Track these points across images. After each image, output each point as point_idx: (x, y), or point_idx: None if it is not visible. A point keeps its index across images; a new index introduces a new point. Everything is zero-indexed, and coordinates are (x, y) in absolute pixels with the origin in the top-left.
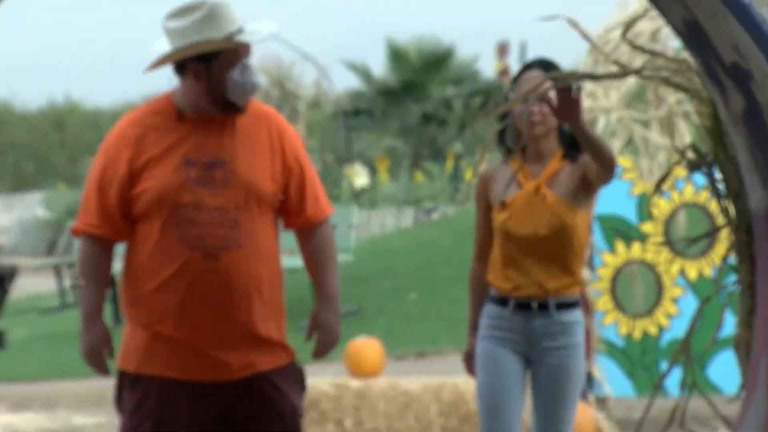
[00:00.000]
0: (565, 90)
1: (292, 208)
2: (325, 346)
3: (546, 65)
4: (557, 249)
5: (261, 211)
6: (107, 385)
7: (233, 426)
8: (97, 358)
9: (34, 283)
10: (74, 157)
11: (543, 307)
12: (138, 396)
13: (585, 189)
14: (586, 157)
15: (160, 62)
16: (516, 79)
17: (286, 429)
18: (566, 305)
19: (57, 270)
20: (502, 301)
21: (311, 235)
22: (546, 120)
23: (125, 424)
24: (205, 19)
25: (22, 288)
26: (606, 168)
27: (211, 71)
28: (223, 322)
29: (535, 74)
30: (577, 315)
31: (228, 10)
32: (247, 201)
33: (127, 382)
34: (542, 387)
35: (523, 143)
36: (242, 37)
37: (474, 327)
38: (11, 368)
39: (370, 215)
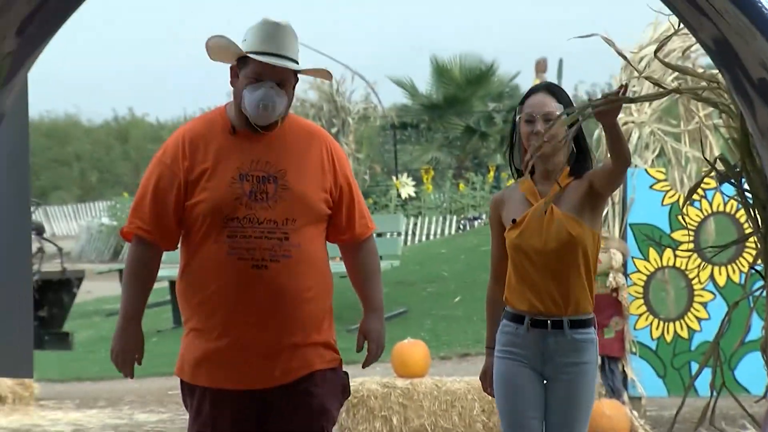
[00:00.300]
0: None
1: (340, 225)
2: (374, 354)
3: (551, 89)
4: (568, 263)
5: (310, 223)
6: (169, 384)
7: (270, 426)
8: (125, 362)
9: (99, 288)
10: (137, 167)
11: (557, 324)
12: (196, 403)
13: (591, 202)
14: (593, 170)
15: (215, 53)
16: (523, 102)
17: (311, 429)
18: (580, 323)
19: (121, 275)
20: (517, 318)
21: (357, 251)
22: (553, 139)
23: (190, 427)
24: (256, 30)
25: (88, 292)
26: (623, 164)
27: (238, 79)
28: (270, 331)
29: (540, 97)
30: (590, 333)
31: (281, 34)
32: (298, 215)
33: (186, 390)
34: (555, 403)
35: (529, 168)
36: (258, 56)
37: (490, 347)
38: (77, 368)
39: (416, 223)
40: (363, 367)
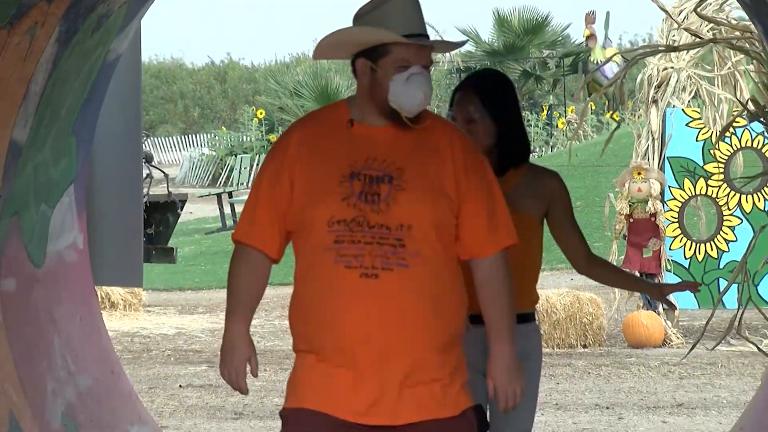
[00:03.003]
0: None
1: (461, 237)
2: (507, 406)
3: (478, 87)
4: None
5: (432, 230)
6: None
7: None
8: (238, 379)
9: (200, 209)
10: (233, 105)
11: None
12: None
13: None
14: (563, 210)
15: (324, 51)
16: (453, 96)
17: None
18: (518, 317)
19: (218, 198)
20: None
21: (479, 270)
22: (478, 140)
23: None
24: (392, 11)
25: (190, 213)
26: (582, 271)
27: (377, 71)
28: (377, 356)
29: (464, 97)
30: (529, 328)
31: (419, 10)
32: (414, 220)
33: (287, 420)
34: (495, 401)
35: None
36: (417, 40)
37: None
38: (180, 279)
39: None
40: (502, 412)
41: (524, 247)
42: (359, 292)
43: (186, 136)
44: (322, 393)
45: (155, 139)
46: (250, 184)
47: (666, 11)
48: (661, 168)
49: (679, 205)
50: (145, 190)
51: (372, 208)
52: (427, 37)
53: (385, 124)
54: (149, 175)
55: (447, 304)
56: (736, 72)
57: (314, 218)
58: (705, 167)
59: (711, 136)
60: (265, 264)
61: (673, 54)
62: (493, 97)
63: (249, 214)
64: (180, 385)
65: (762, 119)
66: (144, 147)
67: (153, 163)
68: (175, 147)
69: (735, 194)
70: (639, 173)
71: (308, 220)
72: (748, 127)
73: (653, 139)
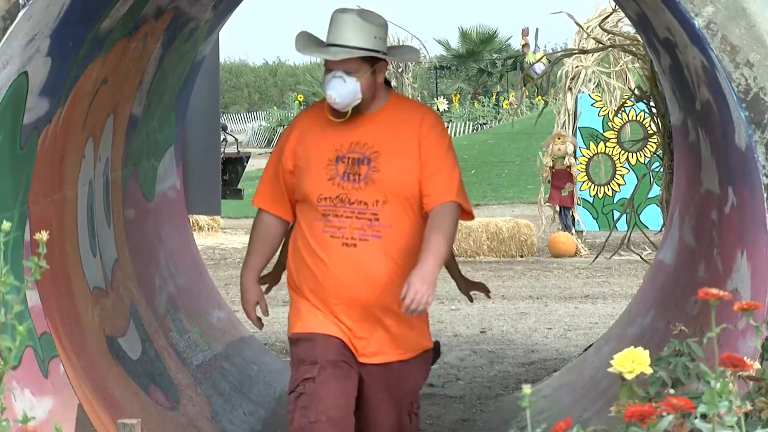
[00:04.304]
0: None
1: (424, 194)
2: (411, 306)
3: None
4: None
5: (403, 205)
6: None
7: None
8: (250, 316)
9: (260, 163)
10: (282, 92)
11: None
12: (296, 350)
13: None
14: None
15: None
16: None
17: (399, 413)
18: None
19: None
20: None
21: (432, 211)
22: None
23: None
24: (332, 24)
25: (252, 165)
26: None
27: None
28: (355, 310)
29: None
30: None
31: (343, 24)
32: (388, 196)
33: (292, 343)
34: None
35: None
36: (321, 49)
37: None
38: (246, 210)
39: (448, 128)
40: (403, 311)
41: None
42: (342, 258)
43: (249, 113)
44: (318, 323)
45: (228, 115)
46: None
47: (579, 25)
48: (574, 134)
49: (587, 160)
50: (222, 149)
51: (353, 186)
52: (347, 47)
53: (368, 114)
54: (225, 139)
55: (412, 262)
56: (626, 68)
57: (307, 194)
58: (604, 134)
59: (608, 113)
60: (275, 224)
61: (582, 56)
62: None
63: (261, 185)
64: None
65: (644, 101)
66: (221, 120)
67: (227, 131)
68: (242, 120)
69: (624, 153)
70: (559, 138)
71: (303, 195)
72: (634, 106)
73: (569, 114)
